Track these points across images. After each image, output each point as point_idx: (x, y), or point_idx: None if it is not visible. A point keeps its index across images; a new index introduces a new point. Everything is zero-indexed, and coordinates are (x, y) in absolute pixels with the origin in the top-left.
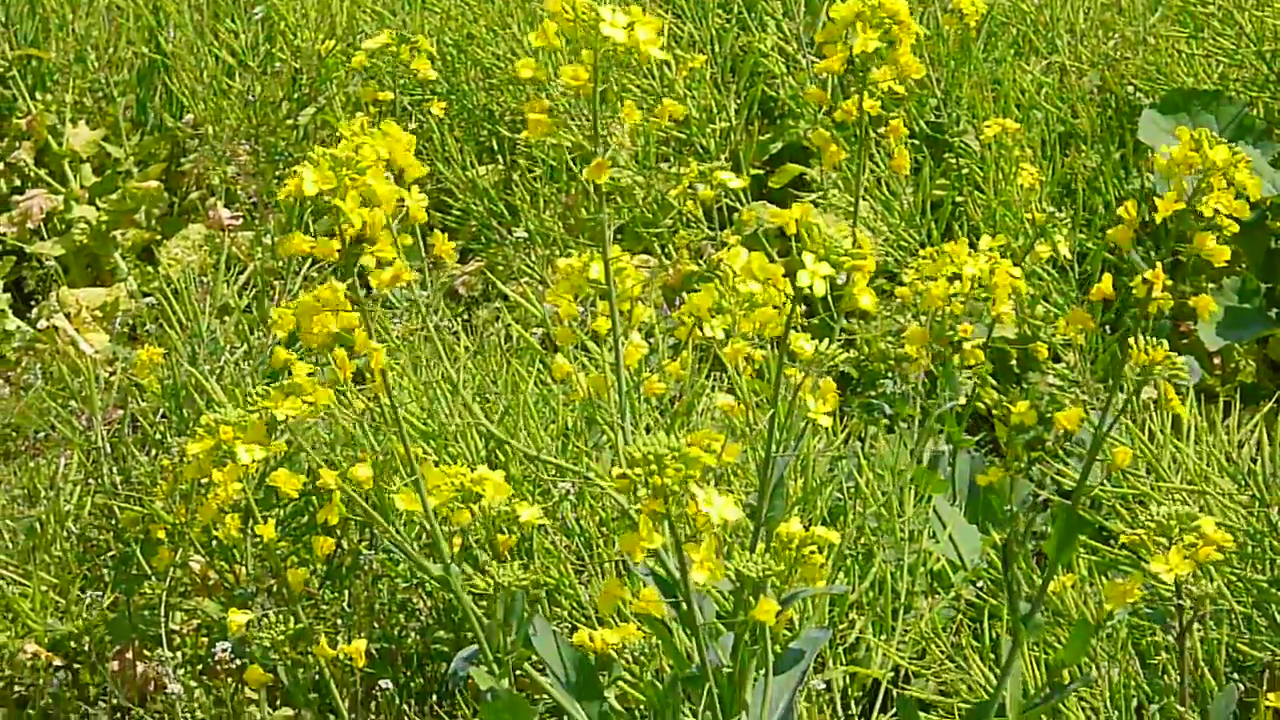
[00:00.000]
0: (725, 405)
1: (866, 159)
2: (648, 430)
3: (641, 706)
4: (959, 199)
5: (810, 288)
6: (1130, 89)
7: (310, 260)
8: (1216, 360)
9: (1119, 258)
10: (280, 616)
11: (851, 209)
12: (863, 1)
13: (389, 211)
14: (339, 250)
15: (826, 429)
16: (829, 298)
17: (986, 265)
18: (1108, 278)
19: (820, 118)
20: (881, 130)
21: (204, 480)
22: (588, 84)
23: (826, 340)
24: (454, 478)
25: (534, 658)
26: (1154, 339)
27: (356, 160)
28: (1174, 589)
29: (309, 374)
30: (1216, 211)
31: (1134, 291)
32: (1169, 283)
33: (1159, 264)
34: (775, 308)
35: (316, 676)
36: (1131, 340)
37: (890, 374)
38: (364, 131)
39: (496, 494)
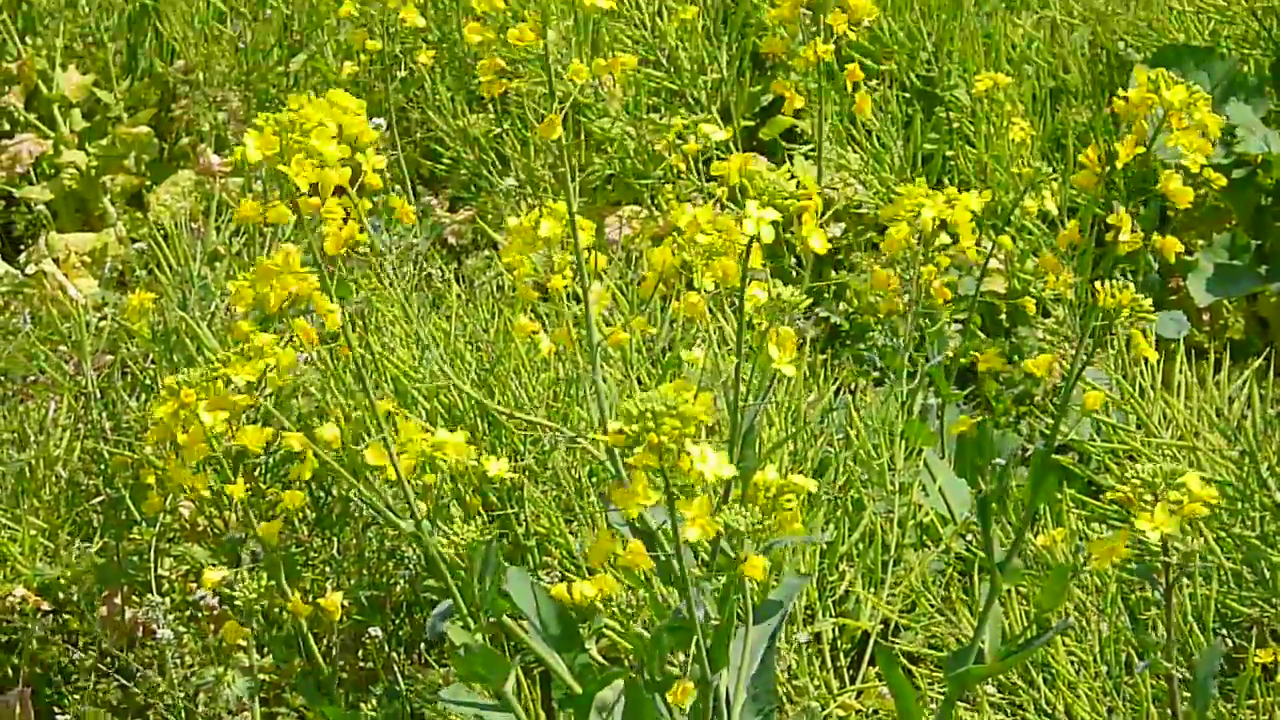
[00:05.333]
0: (690, 359)
1: (834, 107)
2: (639, 382)
3: (628, 658)
4: (950, 153)
5: (757, 235)
6: (1122, 44)
7: None
8: (1206, 316)
9: (1109, 211)
10: (254, 573)
11: (841, 160)
12: None
13: (365, 168)
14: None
15: (792, 379)
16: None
17: (944, 203)
18: (1073, 223)
19: (809, 69)
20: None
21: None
22: (537, 42)
23: (790, 288)
24: (416, 443)
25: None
26: (1121, 282)
27: (302, 123)
28: (1160, 546)
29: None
30: (1200, 169)
31: (1106, 238)
32: (1157, 237)
33: (1123, 210)
34: (744, 248)
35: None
36: (1099, 285)
37: (880, 326)
38: (311, 102)
39: (458, 456)
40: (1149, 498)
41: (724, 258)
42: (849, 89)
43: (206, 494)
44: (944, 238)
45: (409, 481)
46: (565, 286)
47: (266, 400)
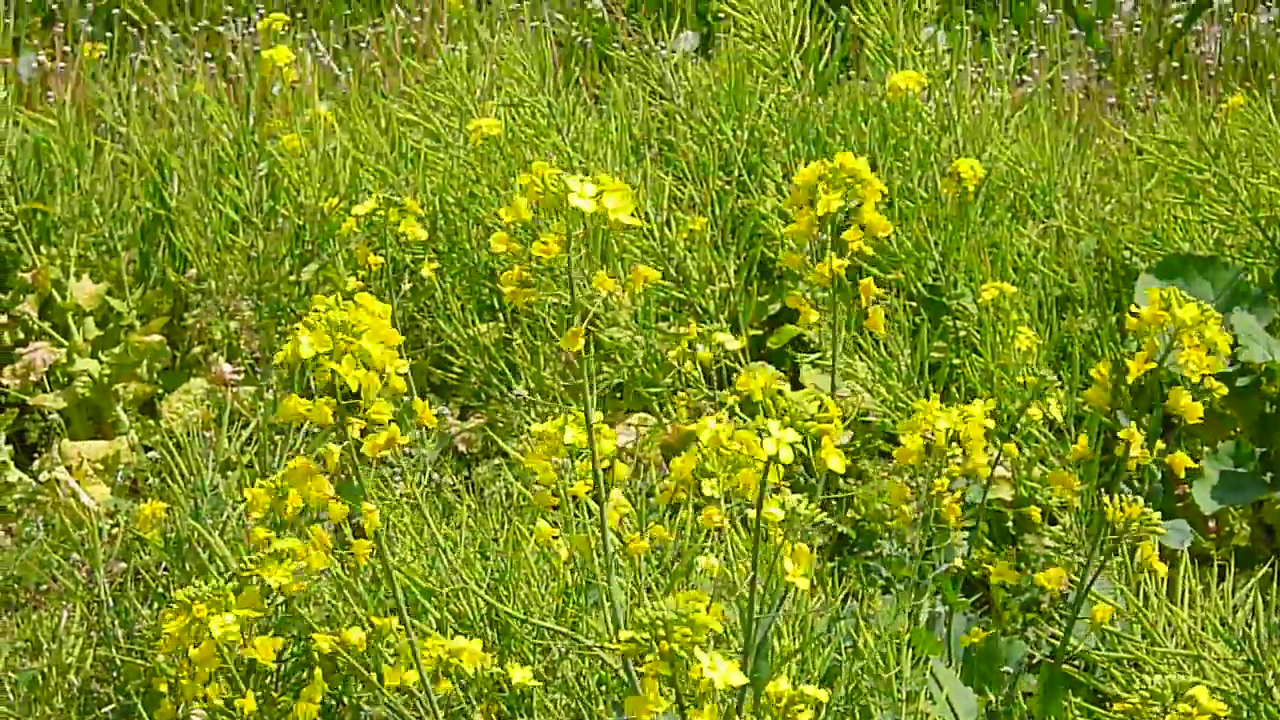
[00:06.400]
0: (709, 566)
1: (843, 318)
2: (648, 590)
3: None
4: (956, 361)
5: (777, 455)
6: (1127, 253)
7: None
8: (1212, 524)
9: (1115, 421)
10: None
11: (848, 369)
12: (824, 164)
13: (388, 371)
14: (334, 414)
15: (804, 591)
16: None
17: (958, 418)
18: (1084, 438)
19: (809, 279)
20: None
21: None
22: (562, 255)
23: (804, 500)
24: (432, 650)
25: None
26: (1132, 496)
27: (353, 323)
28: None
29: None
30: (1201, 378)
31: (1116, 451)
32: (1161, 445)
33: (1133, 424)
34: (764, 464)
35: None
36: (1108, 499)
37: (887, 534)
38: (338, 305)
39: (473, 663)
40: (1157, 710)
41: (744, 470)
42: (861, 301)
43: (219, 704)
44: (954, 448)
45: (428, 688)
46: (583, 493)
47: (279, 609)
